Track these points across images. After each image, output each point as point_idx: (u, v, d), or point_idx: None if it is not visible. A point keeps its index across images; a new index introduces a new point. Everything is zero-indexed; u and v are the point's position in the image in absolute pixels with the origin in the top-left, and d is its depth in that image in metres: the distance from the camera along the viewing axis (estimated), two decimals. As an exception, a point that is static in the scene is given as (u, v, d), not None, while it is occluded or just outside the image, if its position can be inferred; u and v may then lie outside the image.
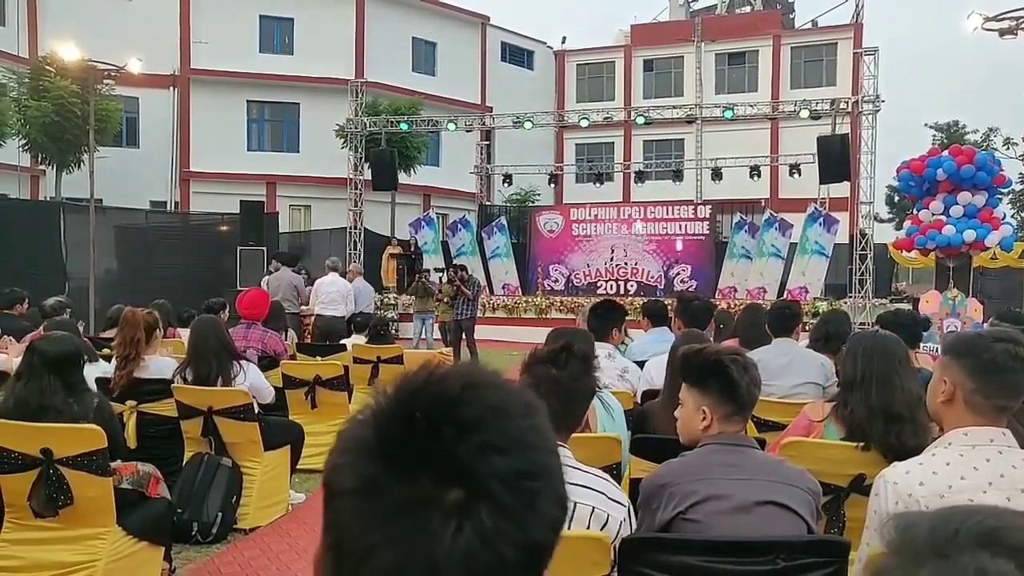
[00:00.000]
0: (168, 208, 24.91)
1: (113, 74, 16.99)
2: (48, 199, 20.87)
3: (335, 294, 11.37)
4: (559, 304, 18.54)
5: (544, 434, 0.65)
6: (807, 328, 5.23)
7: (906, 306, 13.49)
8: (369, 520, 0.61)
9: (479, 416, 0.63)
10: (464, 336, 12.72)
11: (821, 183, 18.58)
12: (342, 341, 8.72)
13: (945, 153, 12.28)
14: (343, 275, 12.28)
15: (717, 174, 23.10)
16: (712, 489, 2.23)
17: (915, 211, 12.80)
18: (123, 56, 16.72)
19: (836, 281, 19.07)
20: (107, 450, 3.71)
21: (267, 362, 6.49)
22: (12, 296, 7.79)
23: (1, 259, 14.53)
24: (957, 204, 11.99)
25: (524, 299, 19.29)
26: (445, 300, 12.97)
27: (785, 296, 17.20)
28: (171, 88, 25.66)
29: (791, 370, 4.34)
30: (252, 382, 5.20)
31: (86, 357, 4.12)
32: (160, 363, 5.18)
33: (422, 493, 0.60)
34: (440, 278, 14.40)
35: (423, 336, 13.59)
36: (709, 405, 2.37)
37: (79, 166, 19.88)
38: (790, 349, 4.49)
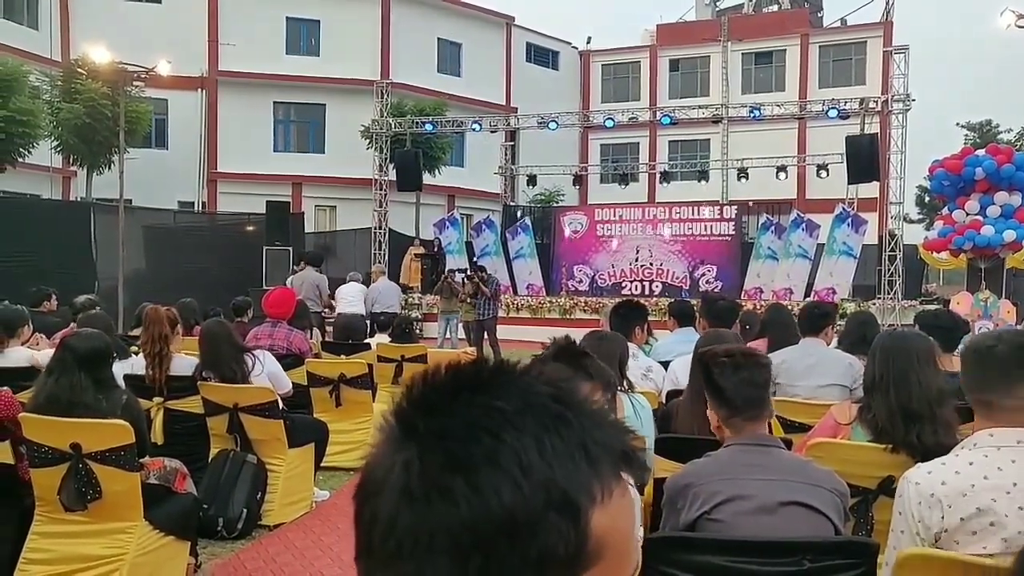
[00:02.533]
0: (196, 208, 25.22)
1: (143, 76, 17.24)
2: (79, 199, 21.21)
3: (352, 294, 12.64)
4: (583, 305, 18.50)
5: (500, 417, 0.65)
6: (837, 329, 5.15)
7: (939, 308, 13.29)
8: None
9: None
10: (486, 336, 12.78)
11: (849, 183, 18.38)
12: (366, 340, 8.78)
13: (982, 152, 12.08)
14: (361, 280, 13.43)
15: (743, 174, 22.93)
16: (736, 489, 2.22)
17: (947, 211, 12.60)
18: (152, 58, 16.96)
19: (864, 282, 18.85)
20: (135, 446, 3.75)
21: (292, 360, 6.55)
22: (39, 294, 7.90)
23: (34, 258, 14.79)
24: (994, 204, 11.77)
25: (548, 300, 19.27)
26: (467, 300, 13.06)
27: (812, 298, 17.02)
28: (199, 90, 25.97)
29: (816, 371, 4.29)
30: (269, 370, 5.29)
31: (115, 354, 4.18)
32: (182, 361, 5.25)
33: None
34: (462, 279, 14.49)
35: (447, 336, 13.64)
36: (712, 407, 2.39)
37: (109, 167, 20.17)
38: (816, 350, 4.44)
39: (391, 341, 7.92)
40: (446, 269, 16.68)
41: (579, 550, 0.61)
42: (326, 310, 12.13)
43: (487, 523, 0.60)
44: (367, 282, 13.79)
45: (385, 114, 20.98)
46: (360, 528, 0.65)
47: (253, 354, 5.25)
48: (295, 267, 12.67)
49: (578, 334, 3.14)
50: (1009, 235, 11.59)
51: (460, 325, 13.65)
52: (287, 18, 26.60)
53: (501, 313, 14.57)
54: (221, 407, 5.09)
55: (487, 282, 12.90)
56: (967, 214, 11.97)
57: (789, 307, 6.89)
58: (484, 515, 0.60)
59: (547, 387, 0.67)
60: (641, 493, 2.53)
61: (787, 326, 5.02)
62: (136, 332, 6.99)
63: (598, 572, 0.63)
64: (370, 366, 6.93)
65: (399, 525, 0.61)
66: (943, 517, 2.01)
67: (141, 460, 3.90)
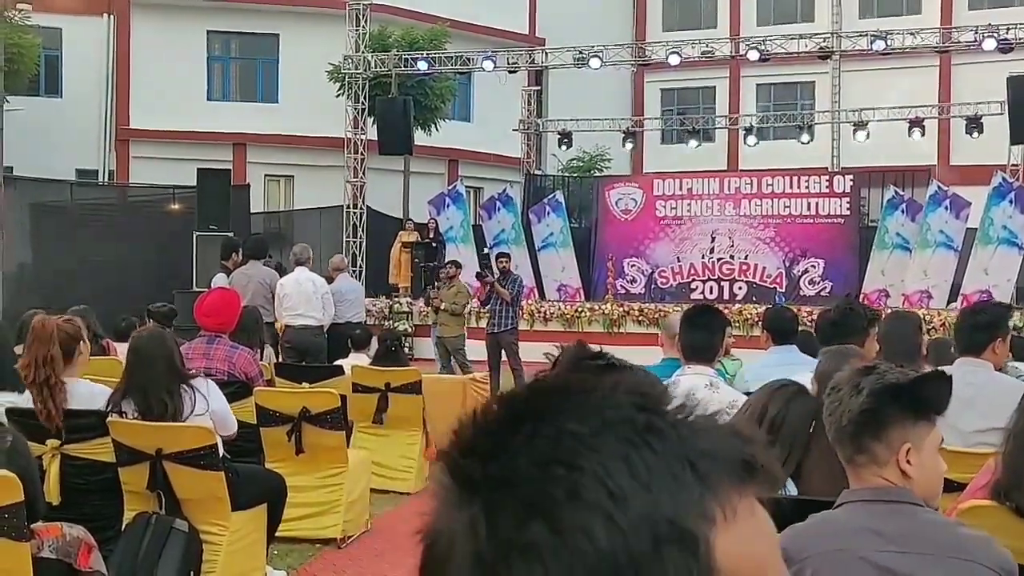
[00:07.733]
0: (100, 179, 25.39)
1: (29, -3, 17.42)
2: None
3: (303, 297, 11.29)
4: (636, 314, 18.44)
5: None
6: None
7: None
8: None
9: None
10: (506, 355, 12.67)
11: (1012, 143, 18.30)
12: (337, 362, 8.82)
13: None
14: (327, 274, 12.55)
15: (862, 130, 22.80)
16: (855, 568, 2.22)
17: None
18: (42, -28, 17.14)
19: (1034, 283, 18.73)
20: (22, 505, 3.80)
21: (236, 389, 6.58)
22: None
23: None
24: None
25: (588, 307, 19.24)
26: (443, 307, 12.89)
27: (959, 303, 16.92)
28: (105, 15, 26.13)
29: (977, 407, 4.21)
30: (216, 407, 5.30)
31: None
32: (86, 388, 5.29)
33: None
34: (441, 271, 14.22)
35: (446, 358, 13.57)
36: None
37: (-18, 122, 20.38)
38: (977, 375, 4.36)
39: (372, 363, 7.94)
40: (445, 262, 16.69)
41: None
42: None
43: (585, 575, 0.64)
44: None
45: (362, 48, 21.03)
46: None
47: (194, 387, 5.25)
48: (224, 261, 12.37)
49: (630, 353, 3.13)
50: None
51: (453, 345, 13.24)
52: (226, -84, 26.74)
53: (523, 325, 14.55)
54: (139, 453, 5.12)
55: (506, 280, 12.80)
56: None
57: (929, 317, 6.85)
58: (579, 566, 0.64)
59: (627, 395, 0.72)
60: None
61: (907, 340, 5.02)
62: (21, 349, 7.09)
63: None
64: (343, 398, 6.95)
65: None
66: None
67: (32, 526, 3.95)
